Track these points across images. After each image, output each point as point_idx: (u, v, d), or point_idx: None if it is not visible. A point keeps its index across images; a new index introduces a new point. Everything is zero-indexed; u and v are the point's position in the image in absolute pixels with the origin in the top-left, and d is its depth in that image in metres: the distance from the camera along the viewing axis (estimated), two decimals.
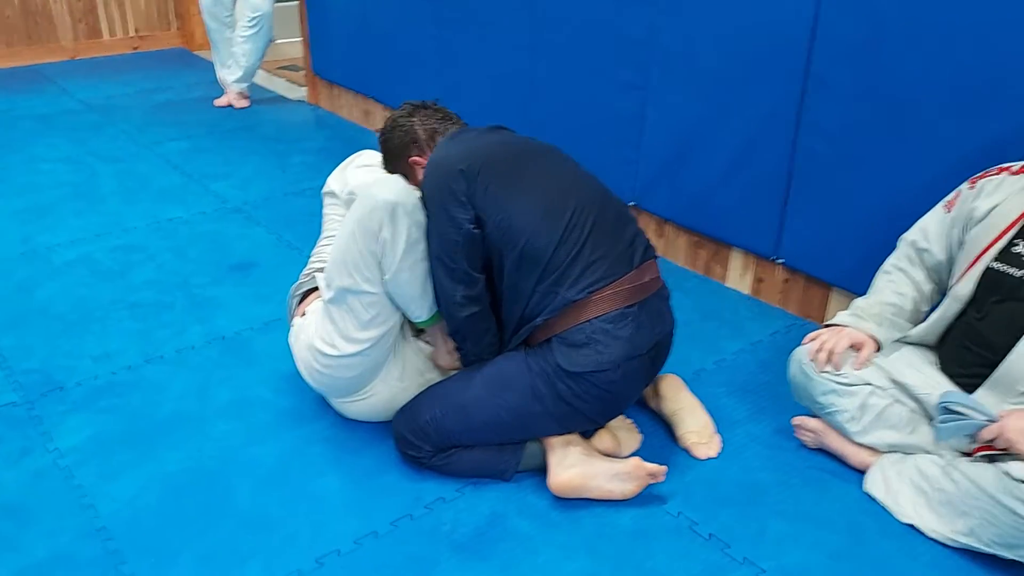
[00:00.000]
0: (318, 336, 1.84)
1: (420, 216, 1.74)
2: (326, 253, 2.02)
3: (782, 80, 2.30)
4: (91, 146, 3.92)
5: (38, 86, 4.85)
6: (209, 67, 5.05)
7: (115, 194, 3.39)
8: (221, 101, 4.55)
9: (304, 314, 1.95)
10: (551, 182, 1.76)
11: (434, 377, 1.94)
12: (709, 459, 1.92)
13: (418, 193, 1.76)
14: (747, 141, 2.45)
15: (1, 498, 1.79)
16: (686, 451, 1.95)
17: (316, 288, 1.96)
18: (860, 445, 1.85)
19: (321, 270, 1.94)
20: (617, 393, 1.76)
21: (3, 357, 2.30)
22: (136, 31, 5.64)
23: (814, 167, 2.31)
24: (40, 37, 5.30)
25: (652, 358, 1.80)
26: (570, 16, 2.83)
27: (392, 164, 1.94)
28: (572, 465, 1.79)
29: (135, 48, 5.65)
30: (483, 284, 1.75)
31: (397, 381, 1.90)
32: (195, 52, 5.68)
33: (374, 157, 2.00)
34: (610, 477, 1.78)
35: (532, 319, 1.73)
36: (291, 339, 1.98)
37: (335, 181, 2.12)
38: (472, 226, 1.69)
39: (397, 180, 1.74)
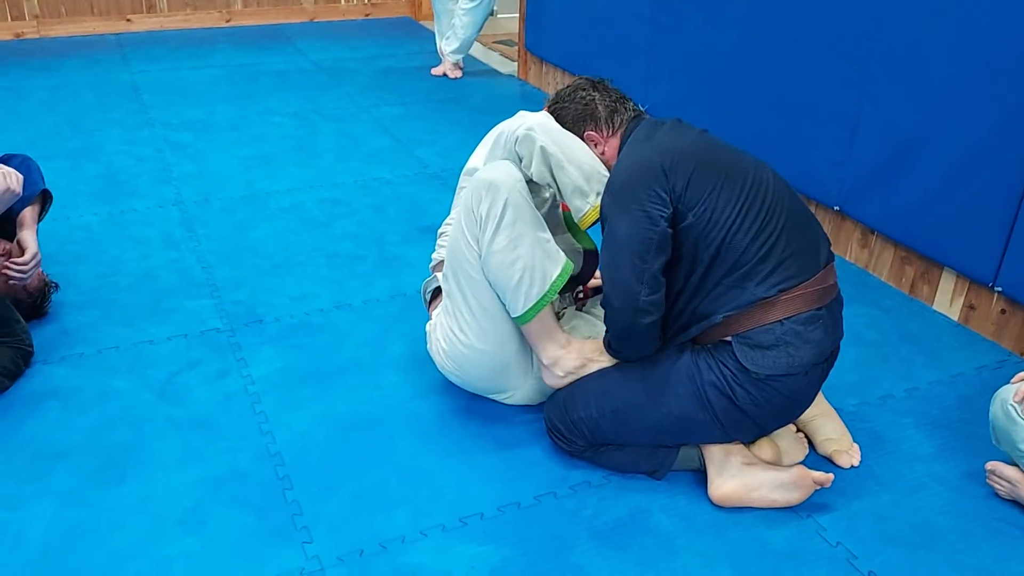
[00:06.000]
0: (441, 334, 1.87)
1: (520, 199, 1.71)
2: (447, 236, 2.01)
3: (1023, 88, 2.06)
4: (317, 104, 4.22)
5: (279, 45, 5.29)
6: (431, 37, 5.28)
7: (331, 151, 3.63)
8: (437, 70, 4.74)
9: (432, 318, 1.96)
10: (744, 177, 1.67)
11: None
12: (881, 493, 1.77)
13: (522, 181, 1.73)
14: (974, 152, 2.21)
15: (196, 412, 1.99)
16: (827, 459, 1.85)
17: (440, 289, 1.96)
18: None
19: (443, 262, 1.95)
20: (798, 400, 1.68)
21: (216, 287, 2.54)
22: None
23: None
24: None
25: (827, 368, 1.71)
26: (788, 4, 2.68)
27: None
28: (733, 476, 1.73)
29: (367, 15, 6.01)
30: (664, 291, 1.65)
31: (535, 380, 1.89)
32: (420, 22, 5.95)
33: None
34: (774, 487, 1.71)
35: (709, 315, 1.65)
36: (428, 346, 1.97)
37: (476, 157, 2.09)
38: (667, 224, 1.62)
39: (506, 164, 1.74)
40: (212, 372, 2.14)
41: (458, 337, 1.83)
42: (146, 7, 5.44)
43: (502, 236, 1.70)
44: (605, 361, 1.80)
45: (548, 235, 1.78)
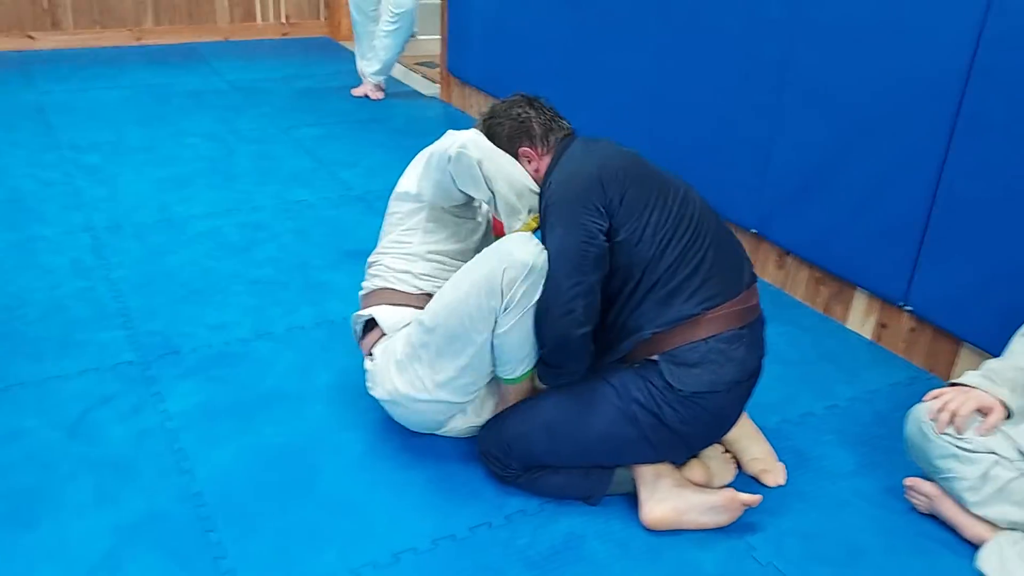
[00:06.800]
0: (406, 382, 1.79)
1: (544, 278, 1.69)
2: (385, 262, 1.94)
3: (930, 115, 2.16)
4: (233, 125, 4.12)
5: (193, 64, 5.14)
6: (351, 57, 5.23)
7: (249, 173, 3.54)
8: (358, 91, 4.70)
9: (371, 355, 1.89)
10: (674, 196, 1.71)
11: None
12: (807, 511, 1.82)
13: (544, 254, 1.67)
14: (884, 176, 2.31)
15: (109, 452, 1.89)
16: (754, 479, 1.89)
17: (374, 321, 1.90)
18: (977, 517, 1.70)
19: (382, 289, 1.91)
20: (723, 418, 1.73)
21: (128, 317, 2.43)
22: (287, 18, 5.90)
23: (956, 211, 2.15)
24: (200, 17, 5.63)
25: (750, 386, 1.75)
26: (704, 32, 2.76)
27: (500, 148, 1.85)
28: (664, 499, 1.74)
29: (284, 34, 5.92)
30: (599, 303, 1.68)
31: (475, 417, 1.88)
32: (340, 42, 5.89)
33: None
34: (704, 510, 1.73)
35: (637, 330, 1.67)
36: (368, 384, 1.91)
37: (407, 181, 2.00)
38: (604, 238, 1.64)
39: (532, 239, 1.68)
40: (126, 408, 2.04)
41: (427, 387, 1.77)
42: (51, 23, 5.22)
43: (528, 317, 1.68)
44: None
45: None
